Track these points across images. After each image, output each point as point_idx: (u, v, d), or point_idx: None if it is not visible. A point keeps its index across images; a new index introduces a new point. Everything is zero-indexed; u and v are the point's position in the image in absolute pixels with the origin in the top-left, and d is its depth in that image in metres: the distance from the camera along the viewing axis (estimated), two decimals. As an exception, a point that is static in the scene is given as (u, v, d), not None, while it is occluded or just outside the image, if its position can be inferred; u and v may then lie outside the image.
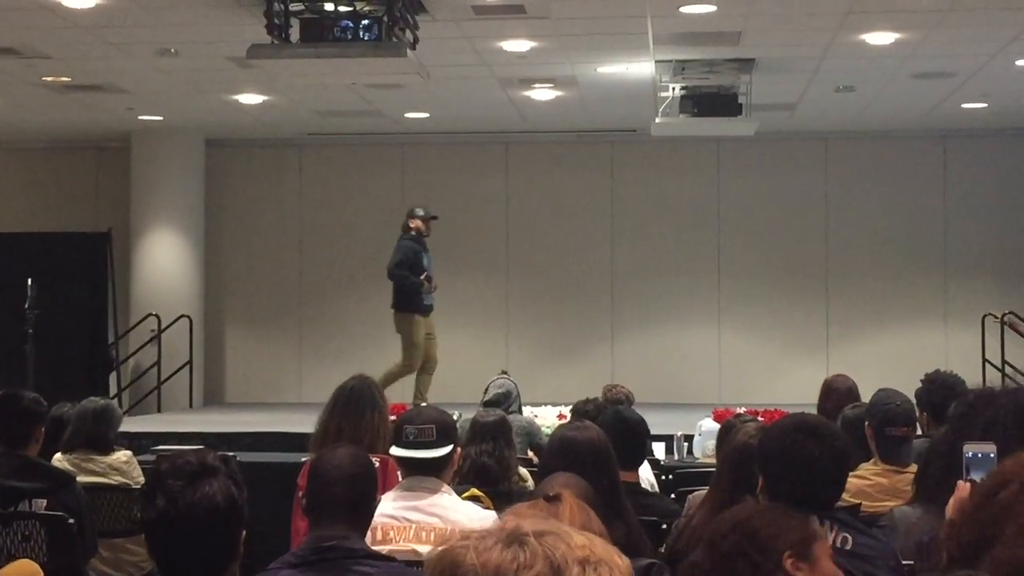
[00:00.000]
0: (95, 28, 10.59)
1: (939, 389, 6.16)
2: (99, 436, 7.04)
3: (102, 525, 6.71)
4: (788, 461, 3.59)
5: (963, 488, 2.43)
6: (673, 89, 12.23)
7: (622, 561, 1.47)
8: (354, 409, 5.62)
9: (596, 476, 4.00)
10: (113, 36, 10.90)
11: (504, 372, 9.51)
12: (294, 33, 9.36)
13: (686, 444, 9.41)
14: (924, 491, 4.11)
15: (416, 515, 4.52)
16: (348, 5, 9.29)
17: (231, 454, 3.22)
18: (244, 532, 3.07)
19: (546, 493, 2.97)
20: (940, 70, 12.38)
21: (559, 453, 4.55)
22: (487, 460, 5.60)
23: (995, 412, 2.46)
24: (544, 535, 1.43)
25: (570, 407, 8.26)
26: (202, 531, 2.99)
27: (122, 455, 7.17)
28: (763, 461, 3.69)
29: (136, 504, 6.85)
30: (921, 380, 6.38)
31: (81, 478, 6.45)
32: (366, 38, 9.21)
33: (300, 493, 4.81)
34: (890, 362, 14.76)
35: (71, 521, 5.66)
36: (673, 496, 6.20)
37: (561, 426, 5.13)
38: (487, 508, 4.90)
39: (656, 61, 11.89)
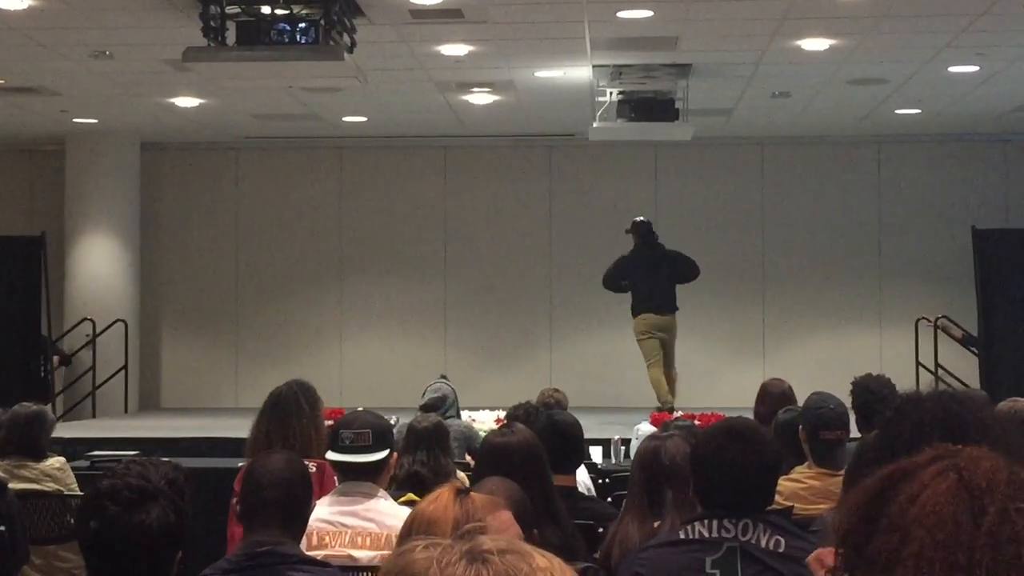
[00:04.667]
0: (28, 30, 10.49)
1: (865, 393, 6.23)
2: (32, 442, 6.97)
3: (35, 532, 6.65)
4: (715, 466, 3.61)
5: None
6: (610, 94, 12.28)
7: None
8: (282, 415, 5.64)
9: (527, 480, 4.00)
10: (46, 38, 10.80)
11: (443, 376, 9.49)
12: (230, 36, 9.32)
13: (623, 448, 9.45)
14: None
15: (352, 520, 4.51)
16: (285, 8, 9.25)
17: (179, 467, 3.19)
18: (179, 552, 3.08)
19: (456, 487, 3.03)
20: (874, 76, 12.50)
21: (488, 459, 4.56)
22: (421, 469, 5.60)
23: (922, 415, 2.48)
24: (506, 553, 1.43)
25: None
26: (135, 554, 3.00)
27: (55, 461, 7.11)
28: (693, 466, 3.72)
29: (69, 511, 6.80)
30: (851, 384, 6.45)
31: (13, 485, 6.39)
32: (303, 41, 9.18)
33: (235, 499, 4.79)
34: (825, 365, 14.87)
35: (2, 528, 5.60)
36: (610, 500, 6.22)
37: (490, 432, 5.13)
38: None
39: (593, 66, 11.93)
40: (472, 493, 3.03)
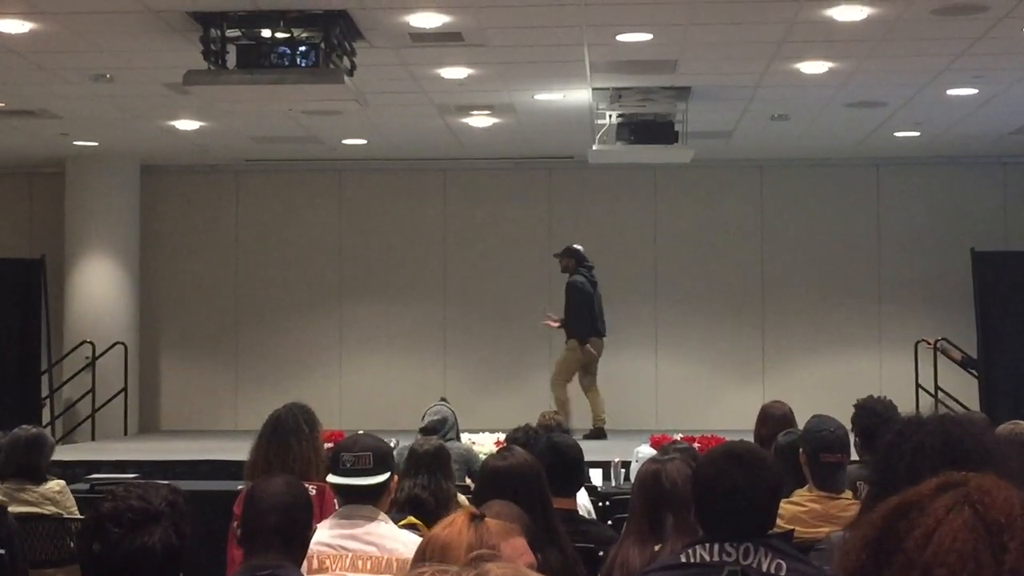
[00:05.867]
0: (29, 53, 10.51)
1: (868, 415, 6.22)
2: (31, 465, 6.96)
3: (34, 555, 6.64)
4: (716, 490, 3.59)
5: None
6: (610, 116, 12.30)
7: None
8: (281, 439, 5.63)
9: (527, 503, 4.00)
10: (47, 62, 10.82)
11: (443, 399, 9.49)
12: (231, 59, 9.34)
13: (623, 470, 9.43)
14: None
15: (353, 544, 4.49)
16: (285, 31, 9.28)
17: (178, 490, 3.18)
18: (181, 575, 3.07)
19: (472, 512, 3.02)
20: (873, 99, 12.52)
21: (488, 483, 4.56)
22: (421, 493, 5.59)
23: (922, 439, 2.47)
24: None
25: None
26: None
27: (55, 485, 7.10)
28: (694, 490, 3.70)
29: (69, 534, 6.79)
30: (853, 406, 6.44)
31: (13, 508, 6.38)
32: (303, 65, 9.21)
33: (235, 522, 4.78)
34: (825, 388, 14.87)
35: (2, 552, 5.59)
36: (610, 523, 6.21)
37: (489, 456, 5.13)
38: (424, 537, 4.88)
39: (593, 89, 11.96)
40: (487, 519, 3.01)
